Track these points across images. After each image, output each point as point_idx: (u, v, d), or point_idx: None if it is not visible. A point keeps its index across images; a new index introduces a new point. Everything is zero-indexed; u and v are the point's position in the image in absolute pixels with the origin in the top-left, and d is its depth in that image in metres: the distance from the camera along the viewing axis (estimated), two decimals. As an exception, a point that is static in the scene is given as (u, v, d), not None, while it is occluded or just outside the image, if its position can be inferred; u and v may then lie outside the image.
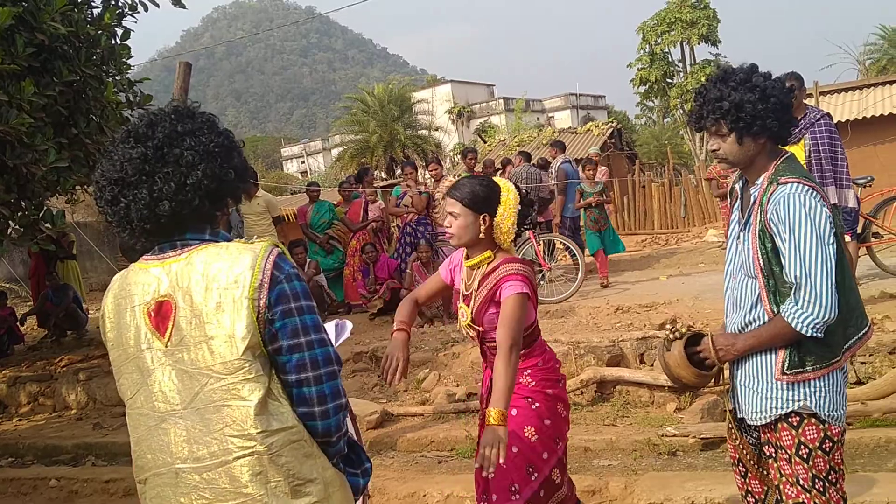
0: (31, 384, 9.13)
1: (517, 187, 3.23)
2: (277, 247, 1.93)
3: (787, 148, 2.70)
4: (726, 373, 2.84)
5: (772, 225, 2.51)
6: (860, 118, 14.98)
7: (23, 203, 7.51)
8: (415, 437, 6.20)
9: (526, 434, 3.09)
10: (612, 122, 26.43)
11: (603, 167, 12.29)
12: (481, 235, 3.08)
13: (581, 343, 6.69)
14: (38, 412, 8.91)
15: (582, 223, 10.48)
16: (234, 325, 1.82)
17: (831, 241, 2.46)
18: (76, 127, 7.47)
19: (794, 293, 2.46)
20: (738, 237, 2.72)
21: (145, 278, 1.93)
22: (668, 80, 32.99)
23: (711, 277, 9.05)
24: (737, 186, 2.81)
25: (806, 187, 2.50)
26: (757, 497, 2.90)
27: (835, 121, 6.57)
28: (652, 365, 6.48)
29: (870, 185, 7.79)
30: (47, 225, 7.68)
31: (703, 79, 31.18)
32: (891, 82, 17.14)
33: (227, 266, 1.86)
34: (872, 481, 4.00)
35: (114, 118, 7.99)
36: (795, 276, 2.44)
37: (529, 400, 3.14)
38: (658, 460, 5.19)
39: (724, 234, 9.10)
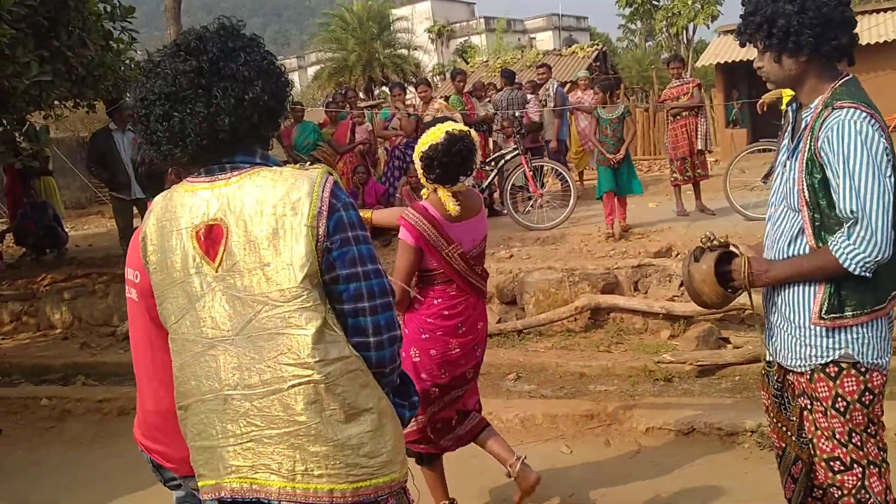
0: (13, 303, 8.99)
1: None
2: (331, 174, 1.86)
3: None
4: (755, 299, 2.67)
5: (822, 154, 2.28)
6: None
7: (3, 119, 7.26)
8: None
9: (411, 353, 3.47)
10: (598, 45, 26.03)
11: (592, 90, 12.09)
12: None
13: (576, 270, 6.70)
14: (22, 331, 8.81)
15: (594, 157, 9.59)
16: (293, 253, 1.77)
17: (889, 173, 2.24)
18: (58, 39, 7.17)
19: (849, 227, 2.25)
20: (785, 165, 2.48)
21: (193, 200, 1.85)
22: (655, 2, 32.48)
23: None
24: (790, 109, 2.54)
25: (863, 113, 2.25)
26: (776, 453, 2.75)
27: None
28: (646, 293, 6.52)
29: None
30: (25, 142, 7.46)
31: (689, 1, 30.84)
32: (878, 11, 16.96)
33: (283, 192, 1.79)
34: (890, 407, 4.07)
35: (95, 30, 7.70)
36: (851, 211, 2.22)
37: (407, 331, 3.46)
38: (654, 386, 5.27)
39: (672, 158, 9.04)
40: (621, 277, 6.61)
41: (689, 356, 5.39)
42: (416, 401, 2.14)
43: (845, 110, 2.26)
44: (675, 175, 8.98)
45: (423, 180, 3.37)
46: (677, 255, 6.89)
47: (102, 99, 8.88)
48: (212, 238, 1.81)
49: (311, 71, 43.70)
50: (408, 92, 15.34)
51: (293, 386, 1.79)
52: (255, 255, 1.78)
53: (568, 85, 16.88)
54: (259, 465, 1.83)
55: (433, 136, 3.29)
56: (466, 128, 3.38)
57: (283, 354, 1.78)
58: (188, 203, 1.86)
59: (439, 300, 3.41)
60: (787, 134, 2.54)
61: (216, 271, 1.81)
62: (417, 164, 3.35)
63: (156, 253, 1.91)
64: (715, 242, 2.56)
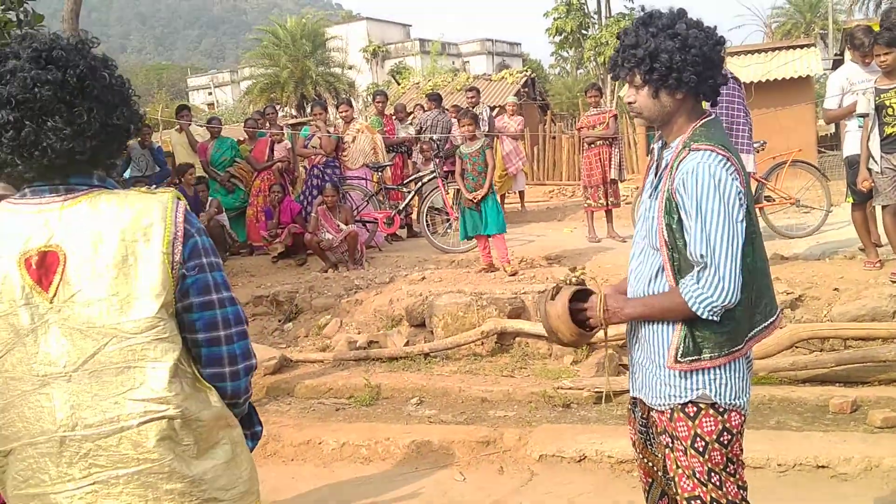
0: None
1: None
2: (180, 199, 1.81)
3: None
4: (609, 332, 2.64)
5: (678, 195, 2.29)
6: (764, 81, 15.36)
7: None
8: (313, 384, 6.14)
9: None
10: (527, 71, 26.39)
11: (519, 116, 12.20)
12: None
13: (484, 294, 6.71)
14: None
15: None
16: (148, 281, 1.69)
17: (740, 218, 2.26)
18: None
19: (698, 271, 2.27)
20: (647, 203, 2.49)
21: (19, 224, 1.72)
22: (584, 32, 33.19)
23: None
24: (655, 147, 2.55)
25: (719, 156, 2.27)
26: (643, 487, 2.73)
27: (741, 82, 6.68)
28: (552, 318, 6.57)
29: (762, 149, 8.02)
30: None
31: (615, 32, 31.58)
32: (795, 47, 17.65)
33: (132, 217, 1.71)
34: (753, 438, 4.16)
35: (1, 38, 7.45)
36: (701, 255, 2.24)
37: None
38: (553, 412, 5.29)
39: (586, 185, 9.13)
40: (528, 302, 6.64)
41: (587, 382, 5.43)
42: (260, 431, 2.08)
43: (701, 153, 2.28)
44: (588, 202, 9.12)
45: None
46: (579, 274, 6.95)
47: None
48: (45, 266, 1.69)
49: (244, 85, 43.20)
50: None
51: (144, 422, 1.70)
52: (101, 284, 1.68)
53: (497, 109, 17.09)
54: None
55: None
56: None
57: (134, 390, 1.70)
58: (14, 227, 1.73)
59: None
60: (651, 171, 2.55)
61: (50, 303, 1.69)
62: None
63: None
64: (572, 279, 2.55)
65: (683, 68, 2.29)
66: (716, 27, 2.38)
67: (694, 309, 2.27)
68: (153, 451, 1.71)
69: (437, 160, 9.66)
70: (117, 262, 1.68)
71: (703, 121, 2.39)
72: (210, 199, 9.75)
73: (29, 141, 1.68)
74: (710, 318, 2.28)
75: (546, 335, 2.61)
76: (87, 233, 1.69)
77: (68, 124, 1.69)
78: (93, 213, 1.71)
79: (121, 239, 1.69)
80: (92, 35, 1.87)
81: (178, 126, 10.96)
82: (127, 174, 11.37)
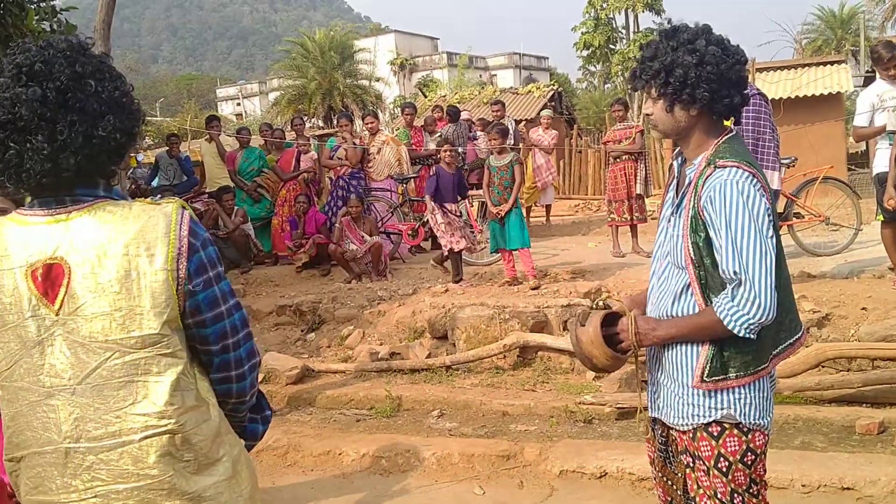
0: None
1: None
2: (185, 209, 1.78)
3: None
4: (639, 351, 2.60)
5: (705, 213, 2.26)
6: (793, 97, 15.21)
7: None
8: (334, 395, 6.16)
9: None
10: (553, 85, 26.37)
11: (554, 130, 12.11)
12: None
13: (506, 307, 6.69)
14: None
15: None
16: (151, 297, 1.68)
17: (770, 234, 2.23)
18: (-8, 56, 7.02)
19: (733, 289, 2.22)
20: (670, 221, 2.44)
21: (27, 236, 1.71)
22: (611, 47, 33.25)
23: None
24: (674, 163, 2.52)
25: (745, 173, 2.24)
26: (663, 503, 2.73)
27: (768, 98, 6.62)
28: (575, 332, 6.52)
29: (793, 166, 7.93)
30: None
31: (645, 47, 31.51)
32: (825, 63, 17.46)
33: (136, 231, 1.69)
34: (778, 459, 4.11)
35: (33, 48, 7.57)
36: (735, 272, 2.20)
37: None
38: (574, 427, 5.26)
39: (611, 199, 9.01)
40: (551, 316, 6.60)
41: (609, 398, 5.39)
42: (270, 415, 2.11)
43: (728, 169, 2.25)
44: (612, 216, 9.07)
45: None
46: (604, 298, 6.93)
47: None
48: (51, 279, 1.68)
49: (273, 96, 43.62)
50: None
51: (145, 437, 1.70)
52: (105, 298, 1.67)
53: (523, 122, 17.08)
54: None
55: None
56: None
57: (136, 404, 1.69)
58: (22, 238, 1.71)
59: None
60: (671, 188, 2.52)
61: (56, 315, 1.68)
62: None
63: None
64: (599, 304, 2.54)
65: (697, 84, 2.27)
66: (738, 46, 2.35)
67: (731, 327, 2.23)
68: (153, 466, 1.70)
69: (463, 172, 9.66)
70: (120, 277, 1.67)
71: (726, 137, 2.37)
72: (237, 208, 9.84)
73: (13, 163, 1.67)
74: (747, 335, 2.24)
75: (578, 359, 2.58)
76: (92, 246, 1.68)
77: (49, 142, 1.65)
78: (97, 226, 1.70)
79: (124, 254, 1.68)
80: (87, 37, 1.84)
81: (207, 136, 11.08)
82: (155, 183, 11.53)
